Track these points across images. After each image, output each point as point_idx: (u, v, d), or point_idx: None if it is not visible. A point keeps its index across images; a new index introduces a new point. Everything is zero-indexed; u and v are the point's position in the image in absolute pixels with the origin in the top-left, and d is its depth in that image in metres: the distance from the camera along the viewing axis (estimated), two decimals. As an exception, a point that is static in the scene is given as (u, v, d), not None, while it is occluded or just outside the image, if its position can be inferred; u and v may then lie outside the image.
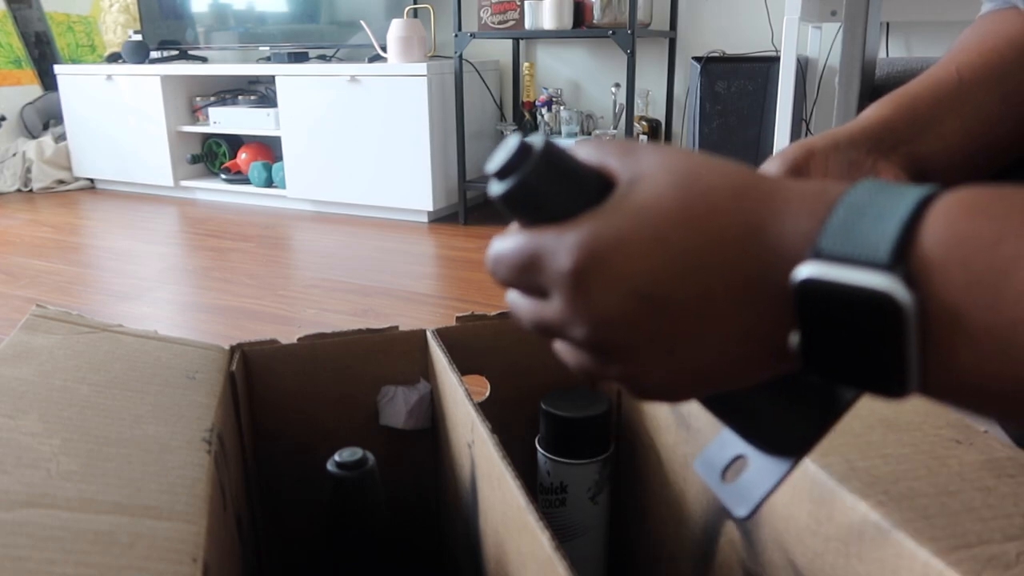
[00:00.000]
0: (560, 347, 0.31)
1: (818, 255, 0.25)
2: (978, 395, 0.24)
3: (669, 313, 0.27)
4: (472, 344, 0.64)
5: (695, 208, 0.27)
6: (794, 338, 0.26)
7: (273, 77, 2.96)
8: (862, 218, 0.25)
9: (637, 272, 0.27)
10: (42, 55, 3.70)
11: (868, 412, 0.45)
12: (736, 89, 2.24)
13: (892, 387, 0.25)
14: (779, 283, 0.26)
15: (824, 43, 2.46)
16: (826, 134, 0.47)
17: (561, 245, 0.28)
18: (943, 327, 0.23)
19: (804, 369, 0.27)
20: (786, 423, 0.31)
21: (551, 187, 0.29)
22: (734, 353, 0.27)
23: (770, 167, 0.47)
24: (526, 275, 0.30)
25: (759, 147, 2.23)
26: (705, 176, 0.28)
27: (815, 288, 0.25)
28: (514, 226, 0.31)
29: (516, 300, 0.31)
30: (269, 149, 3.25)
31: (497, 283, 0.31)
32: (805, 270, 0.25)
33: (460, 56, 2.66)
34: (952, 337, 0.23)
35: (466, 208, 2.80)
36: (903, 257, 0.23)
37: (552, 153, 0.29)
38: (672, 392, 0.30)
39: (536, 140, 0.30)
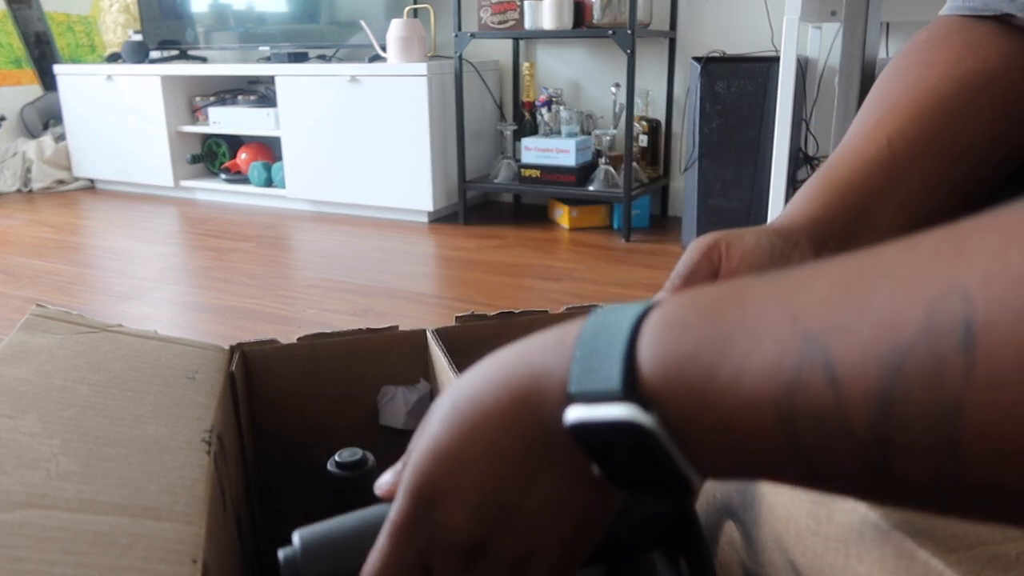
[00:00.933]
0: None
1: (572, 400, 0.27)
2: (754, 475, 0.26)
3: (506, 503, 0.30)
4: (472, 344, 0.64)
5: (467, 420, 0.30)
6: (595, 468, 0.28)
7: (273, 77, 2.96)
8: (594, 355, 0.27)
9: (464, 492, 0.30)
10: (42, 55, 3.70)
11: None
12: (736, 89, 2.24)
13: (682, 488, 0.27)
14: (563, 432, 0.28)
15: (824, 43, 2.46)
16: (745, 229, 0.46)
17: (399, 549, 0.32)
18: (686, 432, 0.25)
19: (616, 489, 0.29)
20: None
21: (330, 560, 0.34)
22: (575, 498, 0.30)
23: (686, 256, 0.46)
24: None
25: (759, 147, 2.23)
26: (463, 389, 0.31)
27: (580, 430, 0.27)
28: None
29: None
30: (269, 149, 3.25)
31: None
32: (569, 417, 0.27)
33: (460, 56, 2.66)
34: (696, 438, 0.25)
35: (466, 208, 2.80)
36: (635, 382, 0.26)
37: (309, 546, 0.34)
38: (571, 554, 0.32)
39: (294, 542, 0.34)
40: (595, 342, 0.27)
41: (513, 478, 0.30)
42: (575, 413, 0.27)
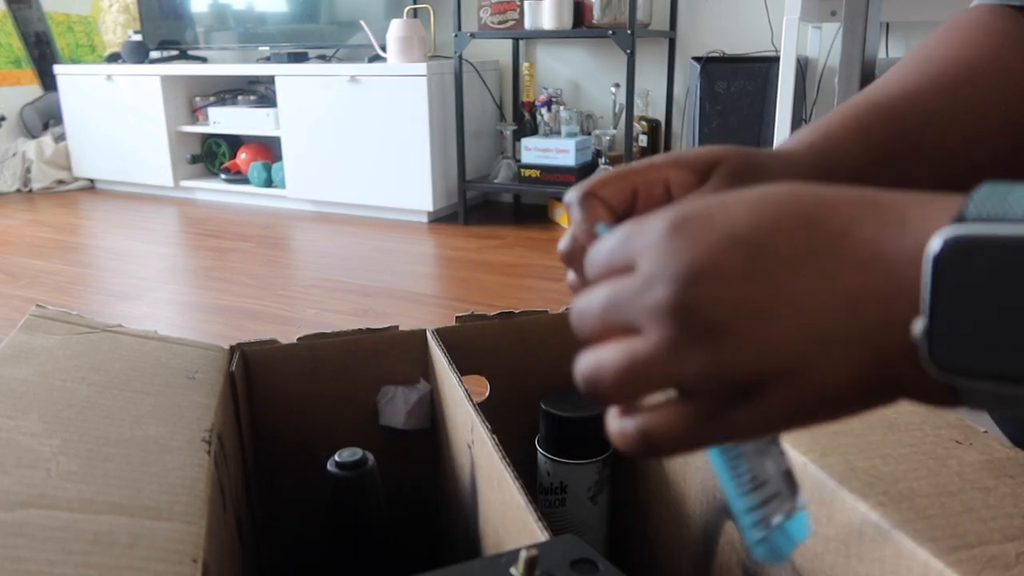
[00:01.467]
0: (636, 353, 0.26)
1: (961, 220, 0.22)
2: None
3: (766, 264, 0.24)
4: (472, 344, 0.64)
5: (807, 195, 0.25)
6: (918, 326, 0.22)
7: (273, 77, 2.96)
8: (1011, 192, 0.22)
9: (734, 220, 0.25)
10: (42, 55, 3.70)
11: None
12: (736, 89, 2.24)
13: None
14: (900, 254, 0.23)
15: (824, 43, 2.46)
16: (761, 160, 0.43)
17: (654, 219, 0.27)
18: None
19: (927, 362, 0.22)
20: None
21: None
22: (837, 334, 0.24)
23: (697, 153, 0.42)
24: (615, 258, 0.28)
25: (759, 147, 2.23)
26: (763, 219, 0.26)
27: (960, 247, 0.21)
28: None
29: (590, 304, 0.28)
30: (269, 149, 3.25)
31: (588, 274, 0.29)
32: (947, 231, 0.22)
33: (460, 56, 2.66)
34: None
35: (466, 208, 2.80)
36: None
37: None
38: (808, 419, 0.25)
39: None
40: (1010, 187, 0.22)
41: (805, 253, 0.24)
42: (958, 230, 0.21)
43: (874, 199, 0.25)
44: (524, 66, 2.95)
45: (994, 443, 0.42)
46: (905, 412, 0.45)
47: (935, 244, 0.22)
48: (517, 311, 0.66)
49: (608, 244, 0.29)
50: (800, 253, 0.24)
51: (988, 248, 0.21)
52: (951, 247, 0.22)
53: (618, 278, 0.27)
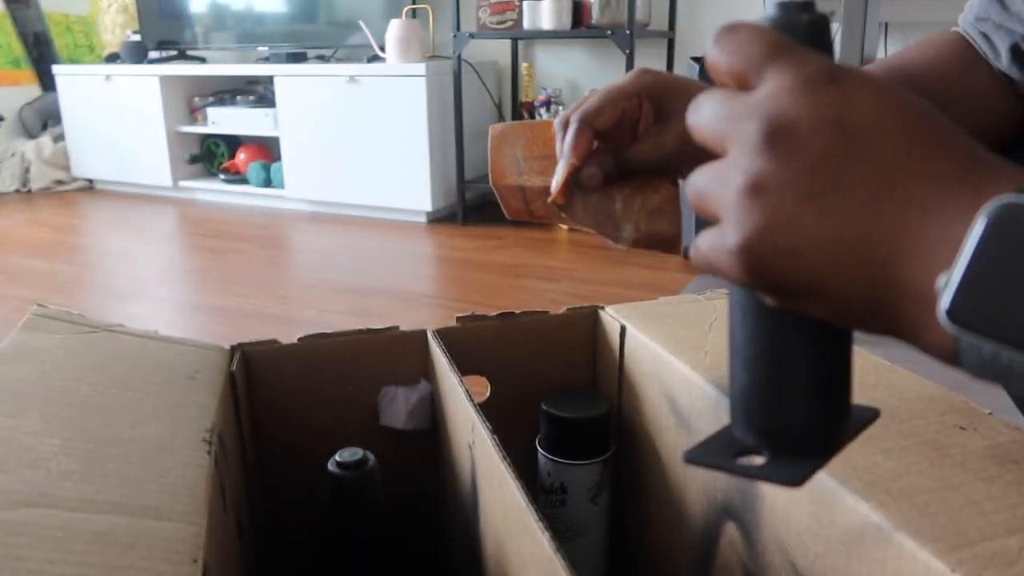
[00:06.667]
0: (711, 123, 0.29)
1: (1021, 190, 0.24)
2: None
3: (848, 145, 0.26)
4: (473, 344, 0.64)
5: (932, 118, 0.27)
6: (942, 280, 0.24)
7: (272, 77, 2.96)
8: None
9: (843, 101, 0.26)
10: (41, 55, 3.70)
11: (869, 401, 0.44)
12: (735, 90, 2.24)
13: None
14: (959, 203, 0.25)
15: (823, 44, 2.46)
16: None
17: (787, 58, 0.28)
18: None
19: (943, 313, 0.24)
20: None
21: None
22: (867, 234, 0.26)
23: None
24: (742, 61, 0.29)
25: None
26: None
27: (1012, 213, 0.23)
28: None
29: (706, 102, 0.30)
30: (268, 149, 3.25)
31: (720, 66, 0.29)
32: (1005, 197, 0.23)
33: (459, 56, 2.66)
34: None
35: (464, 208, 2.80)
36: None
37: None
38: (782, 250, 0.27)
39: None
40: None
41: (887, 152, 0.26)
42: (1015, 197, 0.23)
43: (970, 150, 0.26)
44: (523, 66, 2.95)
45: (999, 425, 0.42)
46: (908, 400, 0.45)
47: (992, 206, 0.23)
48: (518, 311, 0.66)
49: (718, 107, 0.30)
50: (882, 150, 0.26)
51: None
52: (1004, 209, 0.23)
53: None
